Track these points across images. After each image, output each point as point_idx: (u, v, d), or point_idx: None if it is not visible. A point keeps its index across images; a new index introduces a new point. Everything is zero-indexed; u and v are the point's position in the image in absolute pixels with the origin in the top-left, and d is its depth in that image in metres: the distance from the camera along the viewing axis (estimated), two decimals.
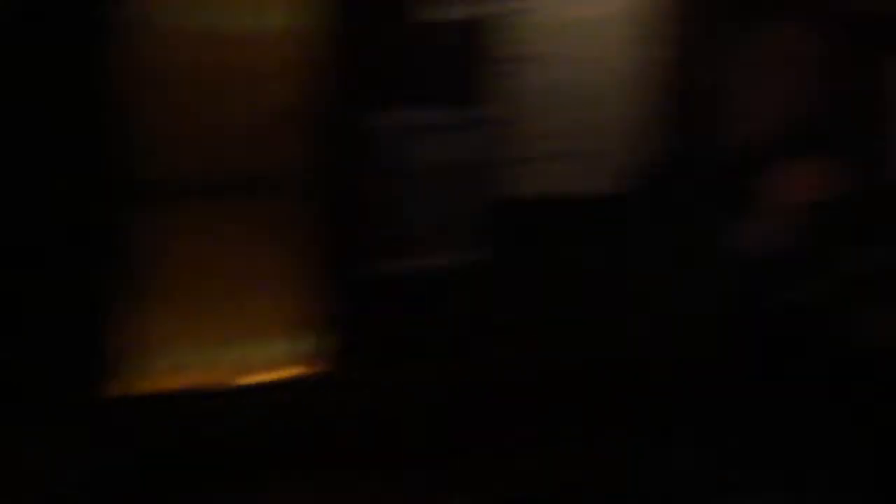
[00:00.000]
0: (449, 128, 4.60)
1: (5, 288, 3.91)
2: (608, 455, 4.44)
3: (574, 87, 4.82)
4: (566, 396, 4.72)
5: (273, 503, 4.27)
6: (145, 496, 4.06)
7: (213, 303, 4.36)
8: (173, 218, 4.27)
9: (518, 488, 4.43)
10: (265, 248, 4.44)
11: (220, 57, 4.29)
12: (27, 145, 3.91)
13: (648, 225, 4.65)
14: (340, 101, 4.48)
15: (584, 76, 4.83)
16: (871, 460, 2.85)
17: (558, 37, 4.78)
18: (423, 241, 4.58)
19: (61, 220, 4.02)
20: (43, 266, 3.98)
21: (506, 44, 4.68)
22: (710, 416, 2.76)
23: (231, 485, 4.23)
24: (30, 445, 3.99)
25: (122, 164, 4.13)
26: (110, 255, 4.13)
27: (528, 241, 4.77)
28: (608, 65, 4.87)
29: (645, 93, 4.90)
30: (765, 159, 2.61)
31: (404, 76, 4.56)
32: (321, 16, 4.43)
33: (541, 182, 4.77)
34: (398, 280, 4.54)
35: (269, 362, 4.49)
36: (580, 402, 4.71)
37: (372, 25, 4.50)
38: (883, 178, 4.26)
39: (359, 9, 4.49)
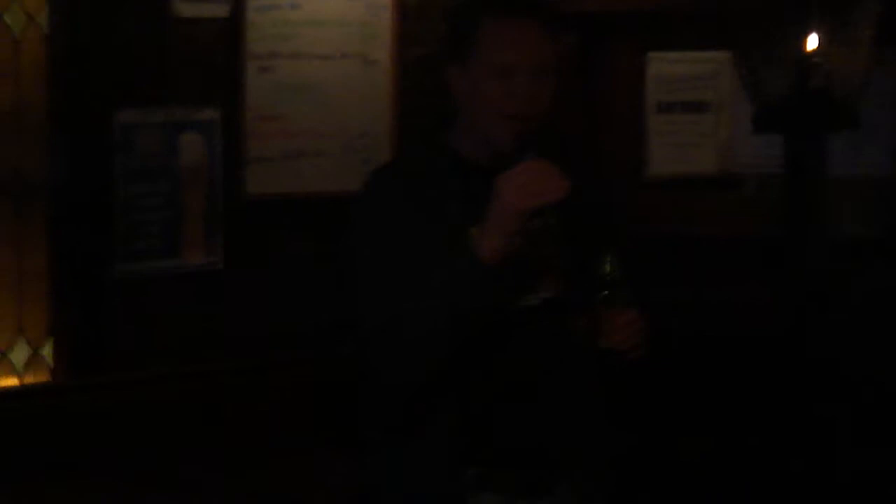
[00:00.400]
0: (190, 127, 4.55)
1: None
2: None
3: (322, 86, 4.82)
4: (295, 405, 4.73)
5: None
6: None
7: None
8: None
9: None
10: None
11: None
12: None
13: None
14: (77, 98, 4.38)
15: (332, 75, 4.83)
16: None
17: (309, 35, 4.78)
18: (160, 243, 4.51)
19: None
20: None
21: (257, 41, 4.66)
22: None
23: None
24: None
25: None
26: None
27: (269, 241, 4.75)
28: (359, 65, 4.89)
29: (395, 93, 4.95)
30: (507, 162, 2.67)
31: (151, 74, 4.49)
32: (62, 12, 4.33)
33: (285, 181, 4.76)
34: (134, 284, 4.47)
35: (2, 369, 4.38)
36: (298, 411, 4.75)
37: (117, 21, 4.42)
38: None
39: (104, 4, 4.40)
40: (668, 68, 5.51)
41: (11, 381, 4.39)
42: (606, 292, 2.69)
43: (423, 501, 2.77)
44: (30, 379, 4.41)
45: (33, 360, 4.43)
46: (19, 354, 4.41)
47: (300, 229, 4.81)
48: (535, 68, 2.70)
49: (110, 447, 4.36)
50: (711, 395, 4.80)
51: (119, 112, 4.41)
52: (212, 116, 4.60)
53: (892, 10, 4.10)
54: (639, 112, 5.52)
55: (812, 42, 4.10)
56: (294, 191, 4.79)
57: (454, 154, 2.81)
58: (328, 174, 4.84)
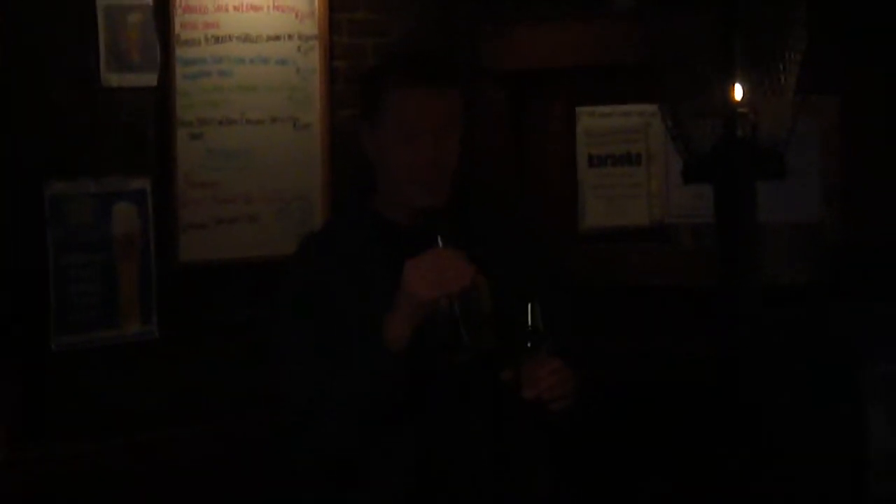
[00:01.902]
0: (122, 196, 4.54)
1: None
2: None
3: (254, 152, 4.83)
4: (237, 473, 4.70)
5: None
6: None
7: None
8: None
9: None
10: None
11: None
12: None
13: None
14: (6, 171, 4.36)
15: (263, 140, 4.84)
16: None
17: (239, 101, 4.80)
18: (96, 314, 4.49)
19: None
20: None
21: (187, 109, 4.66)
22: None
23: None
24: None
25: None
26: None
27: (205, 308, 4.73)
28: (290, 129, 4.90)
29: (327, 156, 4.96)
30: (425, 222, 2.74)
31: (80, 144, 4.48)
32: None
33: (219, 248, 4.75)
34: (70, 356, 4.43)
35: None
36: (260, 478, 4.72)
37: (44, 92, 4.41)
38: None
39: (34, 72, 4.39)
40: (597, 122, 5.56)
41: None
42: (529, 343, 2.71)
43: None
44: None
45: None
46: None
47: (236, 295, 4.80)
48: (436, 130, 2.77)
49: None
50: (647, 442, 4.83)
51: (49, 184, 4.40)
52: (143, 185, 4.59)
53: (814, 58, 4.16)
54: (570, 166, 5.56)
55: (737, 92, 4.14)
56: (228, 256, 4.78)
57: (376, 217, 2.84)
58: (262, 239, 4.84)
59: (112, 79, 4.52)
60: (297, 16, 4.88)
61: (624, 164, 5.55)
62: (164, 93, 4.63)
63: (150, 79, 4.61)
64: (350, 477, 2.79)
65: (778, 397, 3.24)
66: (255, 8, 4.81)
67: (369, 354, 2.68)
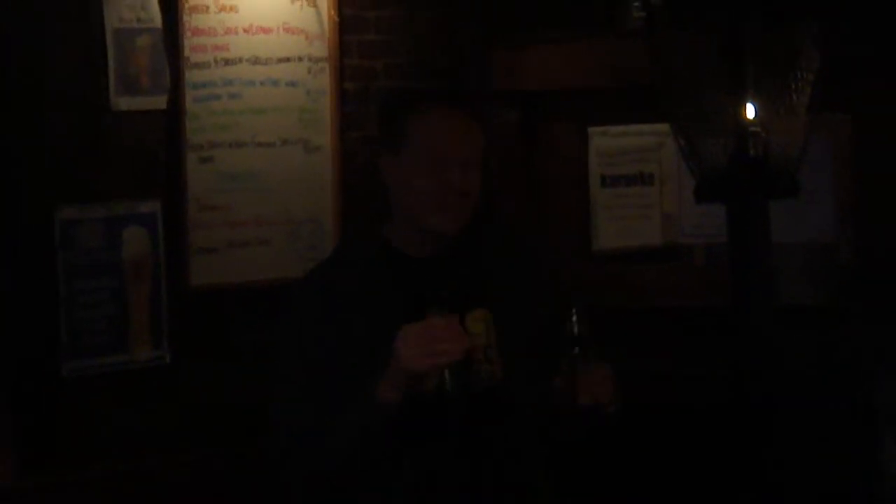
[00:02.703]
0: (132, 220, 4.53)
1: None
2: None
3: (264, 174, 4.82)
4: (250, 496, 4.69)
5: None
6: None
7: None
8: None
9: None
10: None
11: None
12: None
13: None
14: (17, 197, 4.36)
15: (274, 163, 4.84)
16: None
17: (249, 124, 4.79)
18: (107, 339, 4.47)
19: None
20: None
21: (197, 132, 4.66)
22: None
23: None
24: None
25: None
26: None
27: (216, 332, 4.72)
28: (300, 151, 4.89)
29: (338, 178, 4.94)
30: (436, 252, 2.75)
31: (90, 169, 4.48)
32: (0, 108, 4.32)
33: (230, 271, 4.74)
34: (82, 381, 4.42)
35: None
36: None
37: (54, 117, 4.40)
38: None
39: (44, 96, 4.39)
40: (610, 142, 5.54)
41: None
42: (577, 349, 2.69)
43: None
44: None
45: None
46: None
47: (247, 319, 4.78)
48: (463, 160, 2.76)
49: None
50: (656, 464, 4.81)
51: (59, 209, 4.39)
52: (153, 209, 4.58)
53: (827, 77, 4.14)
54: (583, 186, 5.55)
55: (749, 112, 4.13)
56: (239, 280, 4.77)
57: (386, 246, 2.83)
58: (274, 262, 4.83)
59: (121, 102, 4.52)
60: (306, 38, 4.88)
61: (637, 184, 5.53)
62: (173, 116, 4.63)
63: (159, 102, 4.60)
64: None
65: (790, 417, 3.22)
66: (265, 30, 4.81)
67: (360, 408, 2.67)
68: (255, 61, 4.79)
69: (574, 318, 2.71)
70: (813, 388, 4.36)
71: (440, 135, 2.76)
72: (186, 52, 4.64)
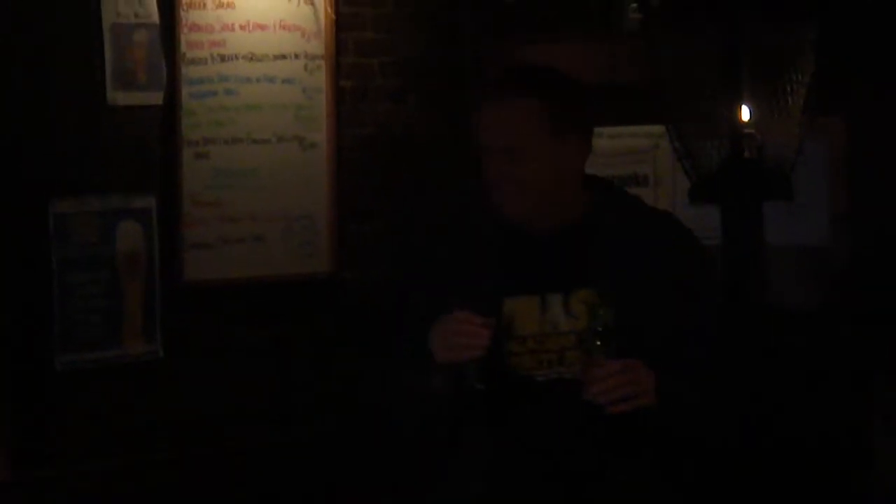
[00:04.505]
0: (127, 215, 4.54)
1: None
2: None
3: (259, 171, 4.82)
4: (238, 492, 4.70)
5: None
6: None
7: None
8: None
9: None
10: None
11: None
12: None
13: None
14: (12, 189, 4.36)
15: (269, 159, 4.84)
16: None
17: (245, 120, 4.79)
18: (100, 333, 4.48)
19: None
20: None
21: (193, 128, 4.66)
22: None
23: None
24: None
25: None
26: None
27: (209, 328, 4.73)
28: (296, 148, 4.89)
29: (333, 175, 4.95)
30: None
31: (86, 162, 4.48)
32: None
33: (224, 267, 4.74)
34: (75, 375, 4.43)
35: None
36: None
37: (51, 110, 4.41)
38: None
39: (41, 90, 4.39)
40: (605, 143, 5.54)
41: None
42: (599, 342, 2.68)
43: None
44: None
45: None
46: None
47: (240, 314, 4.79)
48: (508, 148, 2.73)
49: None
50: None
51: (54, 202, 4.39)
52: (148, 204, 4.59)
53: (821, 80, 4.15)
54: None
55: (744, 114, 4.14)
56: (234, 276, 4.77)
57: (500, 218, 2.83)
58: (267, 258, 4.83)
59: (118, 97, 4.53)
60: (303, 35, 4.88)
61: (631, 186, 5.53)
62: (169, 111, 4.63)
63: (156, 97, 4.61)
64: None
65: (785, 418, 3.23)
66: (262, 27, 4.81)
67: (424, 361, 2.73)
68: (252, 58, 4.80)
69: (601, 311, 2.70)
70: (806, 390, 4.37)
71: (485, 120, 2.77)
72: (183, 48, 4.64)
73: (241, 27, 4.77)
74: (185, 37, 4.65)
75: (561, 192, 2.79)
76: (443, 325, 2.68)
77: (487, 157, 2.76)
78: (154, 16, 4.59)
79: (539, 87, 2.78)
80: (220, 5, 4.73)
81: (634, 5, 5.20)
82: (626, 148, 5.53)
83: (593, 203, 2.83)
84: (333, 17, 4.94)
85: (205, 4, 4.70)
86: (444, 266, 2.85)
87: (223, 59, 4.73)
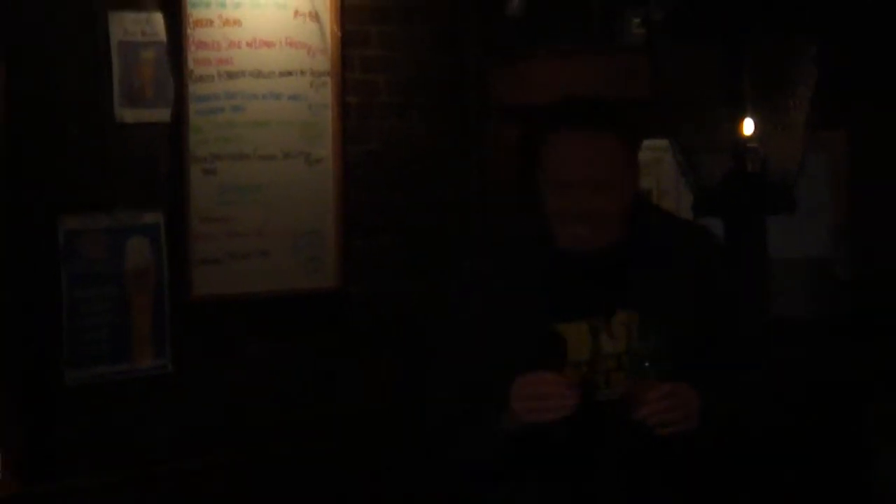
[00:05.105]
0: (135, 231, 4.56)
1: None
2: None
3: (266, 187, 4.85)
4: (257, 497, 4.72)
5: None
6: None
7: None
8: None
9: None
10: None
11: None
12: None
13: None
14: (21, 206, 4.38)
15: (276, 175, 4.87)
16: None
17: (252, 137, 4.82)
18: (109, 348, 4.50)
19: None
20: None
21: (200, 144, 4.69)
22: None
23: None
24: None
25: None
26: None
27: (217, 343, 4.75)
28: (302, 164, 4.92)
29: (339, 191, 4.97)
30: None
31: (94, 179, 4.50)
32: (5, 119, 4.34)
33: (232, 282, 4.77)
34: (84, 389, 4.45)
35: None
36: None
37: (59, 128, 4.44)
38: None
39: (49, 107, 4.42)
40: None
41: None
42: (648, 363, 2.70)
43: None
44: None
45: None
46: None
47: (248, 329, 4.82)
48: (590, 181, 2.74)
49: None
50: None
51: (63, 218, 4.42)
52: (156, 220, 4.61)
53: (824, 94, 4.18)
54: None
55: (747, 128, 4.16)
56: (241, 291, 4.80)
57: (545, 239, 2.85)
58: (274, 273, 4.86)
59: (126, 114, 4.56)
60: (309, 52, 4.92)
61: None
62: (177, 128, 4.66)
63: (163, 114, 4.64)
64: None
65: (786, 432, 3.24)
66: (268, 44, 4.84)
67: (489, 416, 2.75)
68: (258, 75, 4.83)
69: (651, 332, 2.71)
70: (808, 402, 4.38)
71: (564, 152, 2.76)
72: (190, 66, 4.67)
73: (248, 44, 4.80)
74: (193, 54, 4.68)
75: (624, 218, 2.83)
76: (526, 388, 2.68)
77: (565, 190, 2.75)
78: (161, 34, 4.63)
79: (614, 119, 2.79)
80: (227, 23, 4.76)
81: (637, 20, 5.23)
82: None
83: (631, 221, 2.85)
84: (339, 34, 4.97)
85: (212, 22, 4.73)
86: (492, 300, 2.84)
87: (230, 76, 4.76)
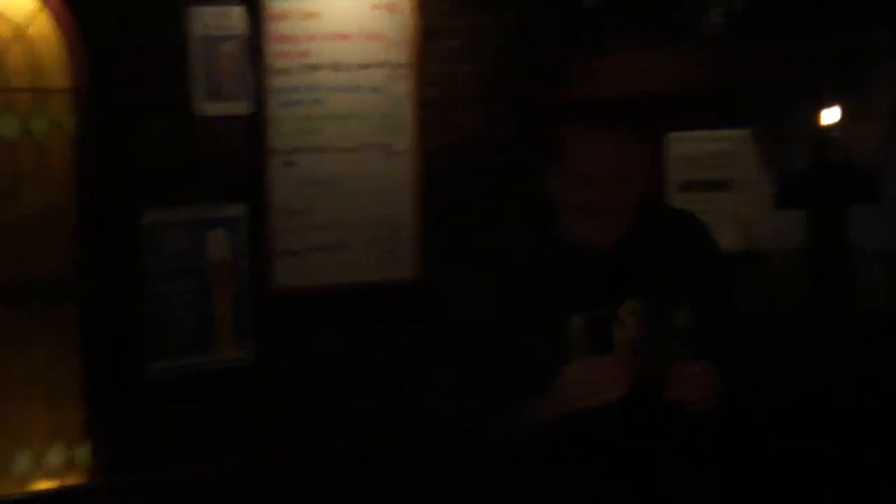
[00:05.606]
0: (217, 224, 4.60)
1: None
2: None
3: (346, 179, 4.87)
4: (330, 497, 4.74)
5: None
6: None
7: None
8: None
9: None
10: (31, 353, 4.36)
11: None
12: None
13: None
14: (105, 201, 4.43)
15: (356, 167, 4.89)
16: None
17: (332, 129, 4.84)
18: (192, 341, 4.54)
19: None
20: None
21: (281, 137, 4.71)
22: None
23: None
24: None
25: None
26: None
27: (299, 334, 4.77)
28: (381, 156, 4.94)
29: (418, 183, 4.99)
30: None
31: (176, 173, 4.54)
32: (88, 116, 4.39)
33: (312, 274, 4.79)
34: (167, 382, 4.49)
35: (40, 472, 4.39)
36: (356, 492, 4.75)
37: (142, 122, 4.48)
38: None
39: (131, 102, 4.47)
40: (688, 148, 5.53)
41: (48, 484, 4.40)
42: (678, 342, 2.73)
43: None
44: (66, 481, 4.42)
45: (69, 462, 4.45)
46: (55, 457, 4.43)
47: (327, 320, 4.84)
48: (615, 176, 2.78)
49: None
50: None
51: (146, 212, 4.47)
52: (238, 213, 4.65)
53: None
54: (662, 191, 5.54)
55: (829, 117, 4.13)
56: (321, 283, 4.82)
57: (556, 241, 2.89)
58: (352, 265, 4.88)
59: (207, 108, 4.59)
60: (387, 44, 4.92)
61: (714, 190, 5.52)
62: (257, 121, 4.69)
63: (243, 107, 4.66)
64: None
65: (868, 424, 3.22)
66: (346, 37, 4.85)
67: (519, 414, 2.77)
68: (337, 67, 4.84)
69: (681, 311, 2.75)
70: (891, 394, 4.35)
71: (593, 152, 2.79)
72: (270, 59, 4.70)
73: (326, 37, 4.82)
74: (272, 48, 4.71)
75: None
76: (581, 371, 2.70)
77: (588, 184, 2.78)
78: (240, 27, 4.66)
79: (638, 117, 2.83)
80: (306, 16, 4.79)
81: (718, 11, 5.19)
82: (708, 152, 5.52)
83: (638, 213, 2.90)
84: (417, 25, 4.98)
85: (290, 15, 4.75)
86: (510, 297, 2.87)
87: (309, 68, 4.78)
